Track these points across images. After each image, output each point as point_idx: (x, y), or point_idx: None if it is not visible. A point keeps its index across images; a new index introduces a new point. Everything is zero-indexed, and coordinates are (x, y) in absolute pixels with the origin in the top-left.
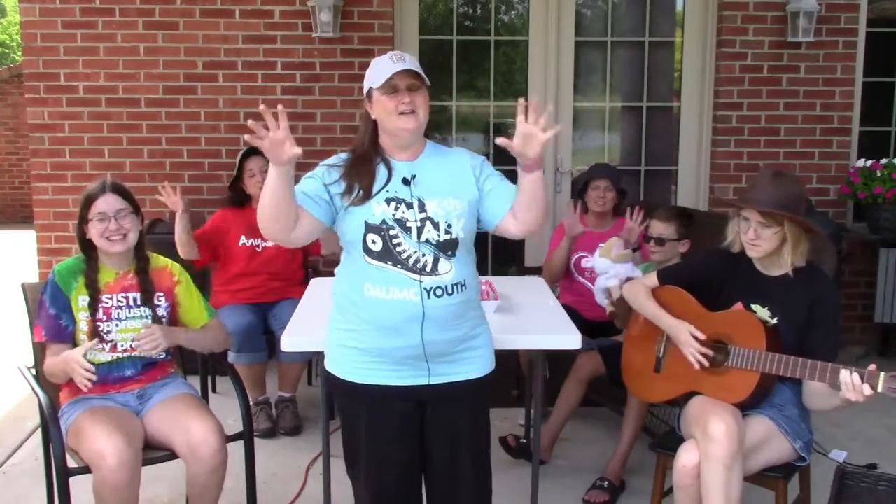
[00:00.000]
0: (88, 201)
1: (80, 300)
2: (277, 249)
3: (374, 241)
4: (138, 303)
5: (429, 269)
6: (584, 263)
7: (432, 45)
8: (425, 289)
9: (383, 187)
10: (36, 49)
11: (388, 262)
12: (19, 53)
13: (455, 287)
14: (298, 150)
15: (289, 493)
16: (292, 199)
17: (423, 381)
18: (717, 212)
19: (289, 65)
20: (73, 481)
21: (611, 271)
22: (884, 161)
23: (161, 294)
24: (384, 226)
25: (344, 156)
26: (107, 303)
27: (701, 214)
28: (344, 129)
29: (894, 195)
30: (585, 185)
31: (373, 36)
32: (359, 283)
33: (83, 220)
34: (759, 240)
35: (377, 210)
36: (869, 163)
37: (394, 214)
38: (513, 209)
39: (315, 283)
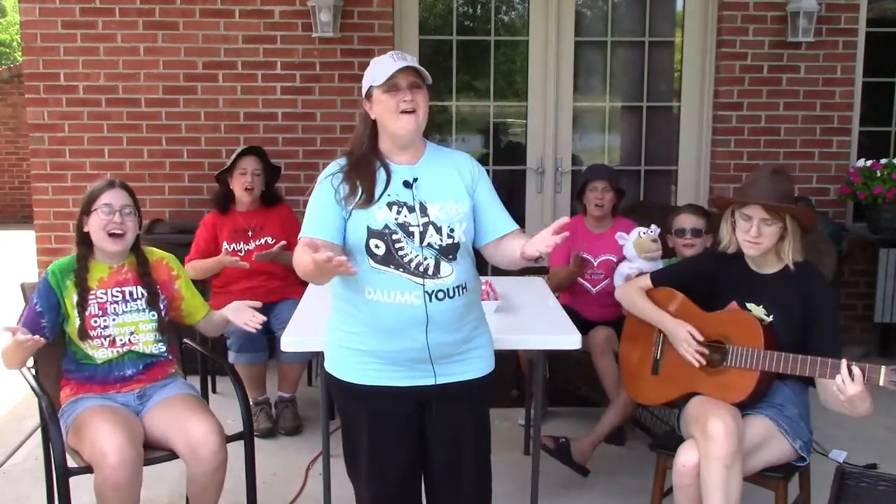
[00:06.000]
0: (94, 195)
1: (74, 297)
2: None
3: (377, 246)
4: (135, 297)
5: (431, 272)
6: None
7: (432, 45)
8: (427, 292)
9: (384, 191)
10: (36, 49)
11: (391, 266)
12: (19, 53)
13: (456, 290)
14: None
15: (289, 493)
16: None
17: (430, 382)
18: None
19: (289, 65)
20: (74, 481)
21: (636, 262)
22: (884, 161)
23: (157, 286)
24: (387, 230)
25: (342, 161)
26: (101, 298)
27: None
28: (344, 129)
29: (894, 195)
30: (583, 187)
31: (373, 36)
32: (359, 286)
33: (85, 213)
34: (760, 237)
35: (379, 215)
36: (869, 163)
37: (396, 219)
38: (497, 242)
39: None
